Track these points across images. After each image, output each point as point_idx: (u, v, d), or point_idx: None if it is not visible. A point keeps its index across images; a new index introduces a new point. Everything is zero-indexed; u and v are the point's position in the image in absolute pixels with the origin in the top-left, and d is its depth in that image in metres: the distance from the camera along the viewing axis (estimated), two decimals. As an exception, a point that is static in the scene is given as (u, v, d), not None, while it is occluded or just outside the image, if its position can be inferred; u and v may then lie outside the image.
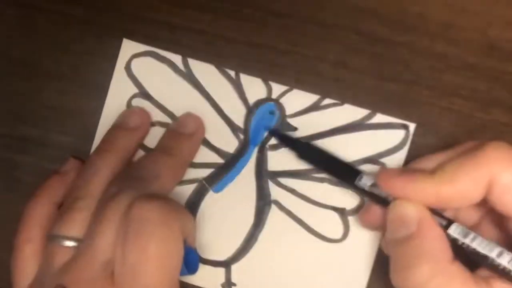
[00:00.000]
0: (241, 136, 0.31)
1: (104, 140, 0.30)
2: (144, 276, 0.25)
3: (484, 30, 0.30)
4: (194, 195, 0.31)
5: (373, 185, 0.27)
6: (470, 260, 0.25)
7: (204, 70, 0.31)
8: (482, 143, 0.25)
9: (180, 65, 0.32)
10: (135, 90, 0.32)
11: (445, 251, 0.24)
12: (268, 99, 0.31)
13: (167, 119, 0.32)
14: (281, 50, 0.31)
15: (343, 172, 0.29)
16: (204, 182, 0.31)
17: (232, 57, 0.31)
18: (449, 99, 0.30)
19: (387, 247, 0.26)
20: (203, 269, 0.31)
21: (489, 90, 0.30)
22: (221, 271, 0.31)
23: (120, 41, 0.32)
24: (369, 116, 0.30)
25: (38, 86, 0.33)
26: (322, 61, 0.31)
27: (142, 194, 0.26)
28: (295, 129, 0.31)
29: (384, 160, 0.30)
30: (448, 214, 0.27)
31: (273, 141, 0.31)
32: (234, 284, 0.31)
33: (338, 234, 0.30)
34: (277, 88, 0.31)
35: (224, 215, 0.31)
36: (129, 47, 0.32)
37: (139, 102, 0.32)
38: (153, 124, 0.32)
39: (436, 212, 0.26)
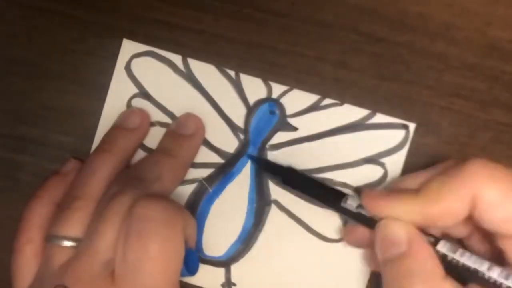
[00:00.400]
0: (241, 136, 0.31)
1: (104, 140, 0.30)
2: (145, 275, 0.25)
3: (484, 30, 0.30)
4: (194, 195, 0.31)
5: (359, 206, 0.27)
6: (460, 275, 0.24)
7: (204, 70, 0.31)
8: (464, 161, 0.25)
9: (180, 65, 0.32)
10: (135, 90, 0.32)
11: (437, 269, 0.24)
12: (269, 99, 0.31)
13: (167, 119, 0.32)
14: (281, 50, 0.31)
15: (329, 196, 0.28)
16: (204, 182, 0.31)
17: (232, 57, 0.31)
18: (449, 99, 0.30)
19: (377, 265, 0.26)
20: (203, 269, 0.31)
21: (489, 90, 0.30)
22: (221, 271, 0.31)
23: (120, 41, 0.32)
24: (369, 116, 0.30)
25: (38, 86, 0.33)
26: (322, 61, 0.31)
27: (144, 194, 0.26)
28: (295, 129, 0.31)
29: (384, 160, 0.30)
30: (437, 229, 0.27)
31: (273, 141, 0.31)
32: (234, 284, 0.31)
33: (337, 234, 0.30)
34: (277, 88, 0.31)
35: (224, 215, 0.31)
36: (129, 47, 0.32)
37: (139, 102, 0.32)
38: (152, 124, 0.32)
39: (422, 230, 0.26)
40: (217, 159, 0.31)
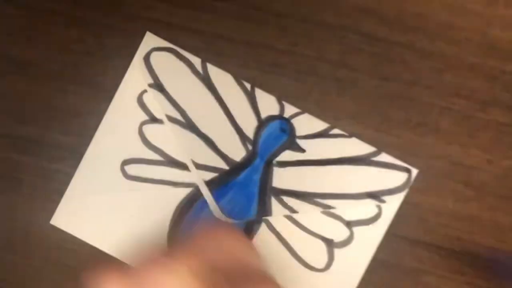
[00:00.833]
0: (250, 147, 0.31)
1: None
2: None
3: (484, 30, 0.30)
4: (187, 200, 0.31)
5: None
6: None
7: (221, 77, 0.31)
8: None
9: (199, 67, 0.32)
10: (150, 80, 0.32)
11: None
12: (281, 116, 0.31)
13: (177, 115, 0.32)
14: (281, 50, 0.31)
15: None
16: (198, 189, 0.31)
17: (232, 57, 0.31)
18: (449, 99, 0.30)
19: None
20: None
21: (489, 90, 0.30)
22: None
23: (120, 41, 0.32)
24: (374, 154, 0.30)
25: (38, 86, 0.33)
26: (322, 61, 0.31)
27: None
28: (303, 150, 0.31)
29: (385, 198, 0.30)
30: None
31: (280, 158, 0.31)
32: None
33: (321, 264, 0.30)
34: (289, 109, 0.31)
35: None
36: (151, 40, 0.32)
37: (152, 94, 0.32)
38: (159, 121, 0.32)
39: None
40: (222, 164, 0.31)
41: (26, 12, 0.33)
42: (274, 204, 0.31)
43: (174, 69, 0.32)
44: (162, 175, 0.32)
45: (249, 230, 0.31)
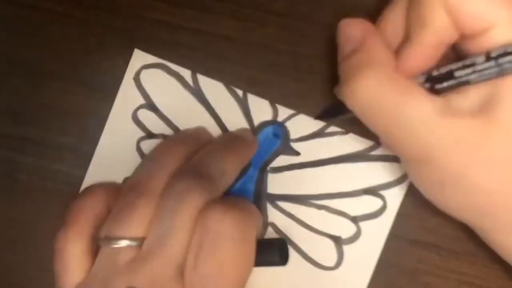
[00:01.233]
0: None
1: (172, 138, 0.30)
2: None
3: (484, 30, 0.30)
4: None
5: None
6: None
7: (212, 87, 0.31)
8: None
9: (189, 80, 0.32)
10: (142, 101, 0.32)
11: (389, 61, 0.24)
12: (274, 121, 0.31)
13: (171, 132, 0.32)
14: (281, 50, 0.31)
15: None
16: None
17: (232, 57, 0.31)
18: (449, 99, 0.30)
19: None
20: None
21: (489, 90, 0.30)
22: None
23: (120, 41, 0.32)
24: (372, 148, 0.30)
25: (38, 86, 0.33)
26: (322, 61, 0.31)
27: (216, 202, 0.26)
28: (297, 153, 0.31)
29: (384, 192, 0.30)
30: None
31: (275, 163, 0.31)
32: None
33: (331, 262, 0.30)
34: (283, 112, 0.31)
35: None
36: (139, 57, 0.32)
37: (145, 113, 0.32)
38: (156, 136, 0.32)
39: None
40: None
41: (26, 12, 0.33)
42: (270, 210, 0.31)
43: (165, 86, 0.32)
44: None
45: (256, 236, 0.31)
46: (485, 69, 0.22)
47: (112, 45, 0.32)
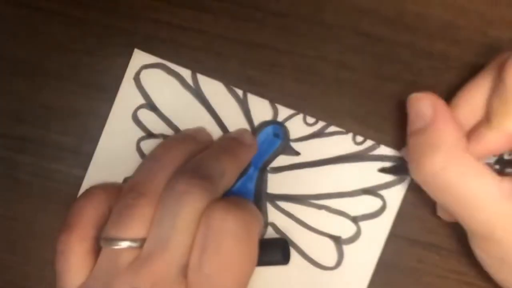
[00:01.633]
0: None
1: (172, 138, 0.30)
2: (220, 286, 0.25)
3: (484, 30, 0.30)
4: None
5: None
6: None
7: (212, 87, 0.31)
8: (499, 64, 0.25)
9: (189, 80, 0.32)
10: (142, 101, 0.32)
11: (459, 142, 0.25)
12: (274, 121, 0.31)
13: (171, 132, 0.32)
14: (281, 50, 0.31)
15: None
16: None
17: (232, 57, 0.31)
18: (449, 99, 0.30)
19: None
20: None
21: (489, 90, 0.30)
22: None
23: (120, 41, 0.32)
24: (372, 147, 0.30)
25: (38, 86, 0.33)
26: (322, 61, 0.31)
27: (218, 201, 0.26)
28: (297, 153, 0.31)
29: (383, 192, 0.30)
30: None
31: (274, 163, 0.31)
32: None
33: (331, 262, 0.30)
34: (283, 112, 0.31)
35: None
36: (139, 57, 0.32)
37: (145, 113, 0.32)
38: (156, 136, 0.32)
39: None
40: None
41: (26, 12, 0.33)
42: (270, 210, 0.31)
43: (164, 86, 0.32)
44: None
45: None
46: None
47: (112, 45, 0.32)
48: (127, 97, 0.32)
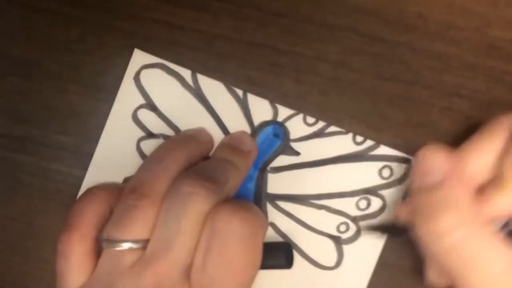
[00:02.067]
0: None
1: (173, 139, 0.30)
2: None
3: (484, 30, 0.30)
4: None
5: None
6: None
7: (212, 87, 0.31)
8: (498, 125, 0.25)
9: (189, 80, 0.32)
10: (142, 101, 0.32)
11: (471, 204, 0.24)
12: (274, 121, 0.31)
13: (171, 132, 0.32)
14: (281, 50, 0.31)
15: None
16: None
17: (232, 57, 0.31)
18: (449, 99, 0.30)
19: (412, 196, 0.26)
20: None
21: (489, 90, 0.30)
22: None
23: (120, 41, 0.32)
24: (372, 147, 0.30)
25: (38, 86, 0.33)
26: (322, 61, 0.31)
27: (223, 203, 0.26)
28: (297, 153, 0.31)
29: (383, 192, 0.30)
30: None
31: (274, 163, 0.31)
32: None
33: (331, 262, 0.30)
34: (283, 112, 0.31)
35: None
36: (139, 57, 0.32)
37: (144, 113, 0.32)
38: (156, 136, 0.32)
39: None
40: None
41: (26, 12, 0.33)
42: (270, 210, 0.31)
43: (165, 86, 0.32)
44: None
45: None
46: None
47: (112, 45, 0.32)
48: (127, 97, 0.32)
